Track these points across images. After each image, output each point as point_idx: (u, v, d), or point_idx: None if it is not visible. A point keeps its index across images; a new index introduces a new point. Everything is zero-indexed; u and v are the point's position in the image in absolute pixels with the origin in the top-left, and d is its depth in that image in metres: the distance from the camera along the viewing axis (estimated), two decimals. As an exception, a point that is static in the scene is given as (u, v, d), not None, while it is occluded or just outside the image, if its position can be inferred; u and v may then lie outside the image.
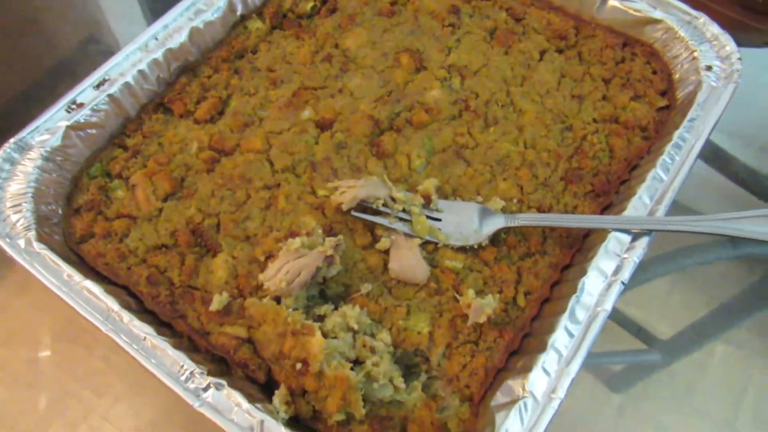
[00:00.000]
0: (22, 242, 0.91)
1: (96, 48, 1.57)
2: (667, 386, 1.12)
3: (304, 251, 0.89)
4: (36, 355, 1.09)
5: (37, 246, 0.91)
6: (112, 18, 1.61)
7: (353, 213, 0.98)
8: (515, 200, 1.03)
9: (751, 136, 1.41)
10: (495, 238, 0.99)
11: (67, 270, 0.89)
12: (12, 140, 0.99)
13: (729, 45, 1.13)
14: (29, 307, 1.06)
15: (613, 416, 1.08)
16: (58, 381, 1.07)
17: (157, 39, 1.12)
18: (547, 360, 0.83)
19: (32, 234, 0.92)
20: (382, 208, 0.98)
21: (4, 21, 1.57)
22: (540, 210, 1.02)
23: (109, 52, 1.53)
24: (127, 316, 0.86)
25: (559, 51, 1.21)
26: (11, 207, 0.94)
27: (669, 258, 1.25)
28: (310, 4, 1.25)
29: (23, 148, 0.99)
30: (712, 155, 1.35)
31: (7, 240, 0.91)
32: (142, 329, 0.85)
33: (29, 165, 0.98)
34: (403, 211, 0.98)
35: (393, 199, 0.98)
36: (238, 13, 1.21)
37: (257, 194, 1.02)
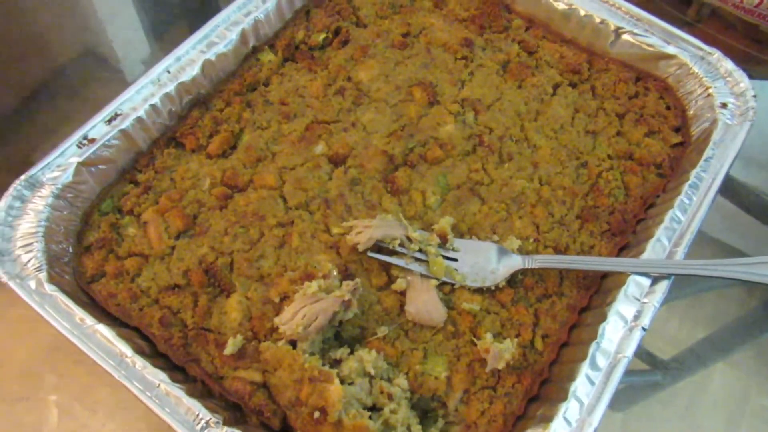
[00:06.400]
0: (32, 283, 0.90)
1: (99, 73, 1.56)
2: (668, 405, 1.13)
3: (320, 295, 0.88)
4: (27, 370, 1.07)
5: (49, 288, 0.89)
6: (116, 41, 1.60)
7: (369, 254, 0.97)
8: (531, 239, 1.02)
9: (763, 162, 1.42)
10: (512, 279, 0.97)
11: (79, 313, 0.87)
12: (23, 177, 0.97)
13: (743, 81, 1.13)
14: (20, 319, 1.05)
15: (616, 434, 1.08)
16: (49, 396, 1.06)
17: (169, 72, 1.10)
18: (569, 409, 0.82)
19: (43, 275, 0.90)
20: (398, 248, 0.97)
21: (5, 39, 1.56)
22: (556, 249, 1.01)
23: (111, 78, 1.54)
24: (140, 362, 0.84)
25: (573, 85, 1.21)
26: (22, 246, 0.93)
27: (673, 287, 1.25)
28: (322, 36, 1.24)
29: (34, 185, 0.97)
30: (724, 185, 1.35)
31: (18, 281, 0.90)
32: (156, 376, 0.83)
33: (40, 203, 0.96)
34: (420, 251, 0.97)
35: (409, 239, 0.97)
36: (250, 45, 1.20)
37: (270, 232, 1.01)
